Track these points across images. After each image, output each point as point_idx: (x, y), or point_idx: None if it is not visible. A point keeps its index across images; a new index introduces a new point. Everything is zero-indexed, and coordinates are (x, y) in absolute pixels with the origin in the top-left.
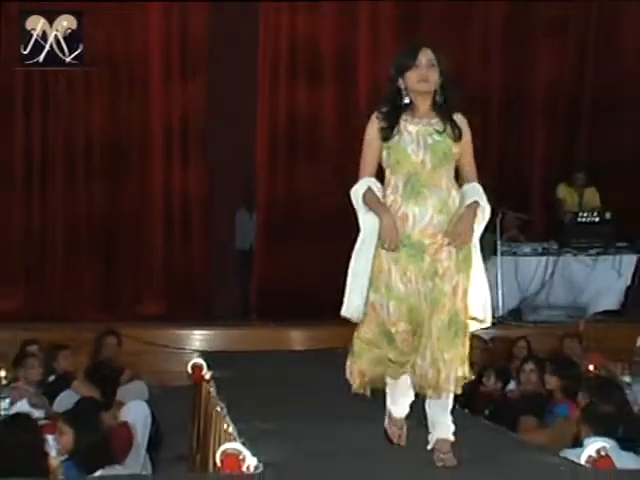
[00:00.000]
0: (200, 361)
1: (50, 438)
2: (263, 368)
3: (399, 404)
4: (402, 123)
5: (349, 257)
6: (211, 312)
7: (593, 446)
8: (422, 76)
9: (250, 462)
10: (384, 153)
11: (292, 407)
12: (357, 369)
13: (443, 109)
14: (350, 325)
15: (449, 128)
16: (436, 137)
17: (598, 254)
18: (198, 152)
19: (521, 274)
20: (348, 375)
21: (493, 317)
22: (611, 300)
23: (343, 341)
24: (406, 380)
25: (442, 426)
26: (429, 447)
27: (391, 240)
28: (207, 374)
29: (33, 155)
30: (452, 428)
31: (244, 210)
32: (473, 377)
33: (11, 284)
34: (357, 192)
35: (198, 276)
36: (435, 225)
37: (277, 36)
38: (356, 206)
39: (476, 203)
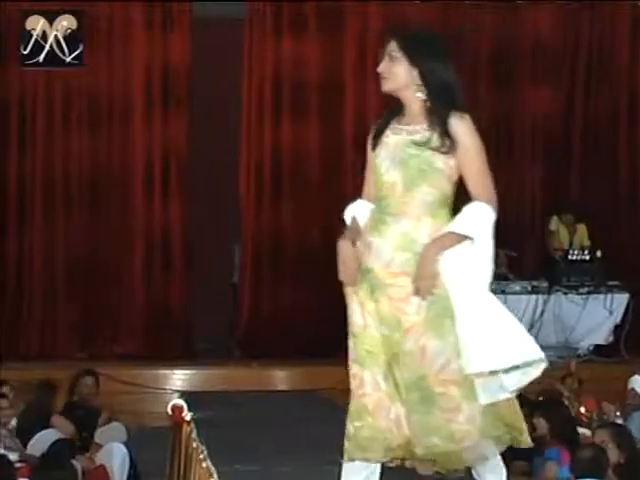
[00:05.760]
0: (180, 402)
1: None
2: (246, 409)
3: None
4: (387, 132)
5: (335, 293)
6: (192, 350)
7: None
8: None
9: None
10: None
11: (276, 449)
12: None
13: (434, 113)
14: (335, 365)
15: (436, 137)
16: (411, 150)
17: (589, 293)
18: (179, 186)
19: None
20: None
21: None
22: (601, 339)
23: (328, 382)
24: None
25: None
26: None
27: (344, 272)
28: (187, 415)
29: (9, 188)
30: None
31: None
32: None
33: None
34: (347, 217)
35: (178, 313)
36: (398, 264)
37: (261, 68)
38: None
39: (449, 235)
